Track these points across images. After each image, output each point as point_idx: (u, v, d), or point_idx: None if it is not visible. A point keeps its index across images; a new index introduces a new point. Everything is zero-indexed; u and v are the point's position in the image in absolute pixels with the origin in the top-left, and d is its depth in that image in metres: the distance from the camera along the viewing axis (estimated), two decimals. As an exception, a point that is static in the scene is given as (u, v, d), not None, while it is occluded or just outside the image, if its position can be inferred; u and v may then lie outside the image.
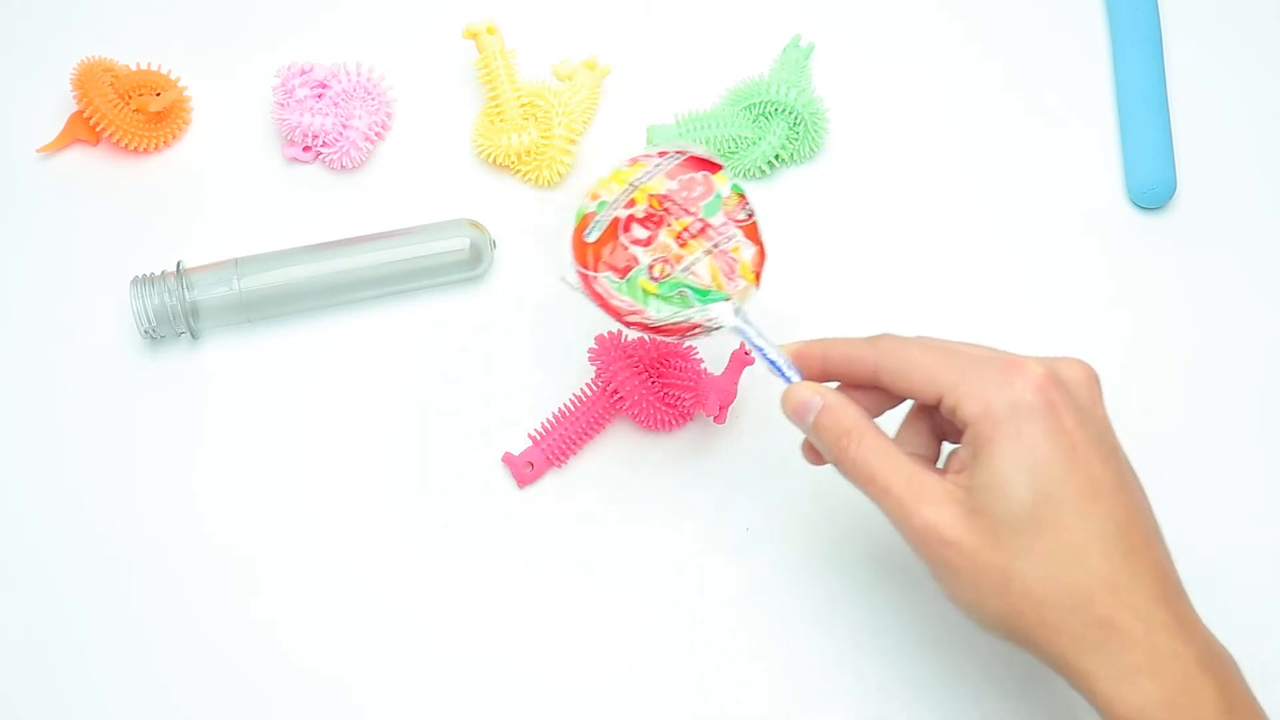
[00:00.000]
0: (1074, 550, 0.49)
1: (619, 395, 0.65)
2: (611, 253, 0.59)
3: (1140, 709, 0.48)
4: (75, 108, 0.73)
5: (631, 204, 0.60)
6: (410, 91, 0.75)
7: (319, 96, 0.73)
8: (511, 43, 0.73)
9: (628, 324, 0.58)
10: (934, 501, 0.51)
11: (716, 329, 0.58)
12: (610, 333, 0.65)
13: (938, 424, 0.56)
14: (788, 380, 0.56)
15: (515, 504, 0.66)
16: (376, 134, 0.73)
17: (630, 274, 0.58)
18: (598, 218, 0.59)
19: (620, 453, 0.67)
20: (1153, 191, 0.72)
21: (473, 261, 0.69)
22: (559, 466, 0.66)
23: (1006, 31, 0.78)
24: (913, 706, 0.62)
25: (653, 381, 0.65)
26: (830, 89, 0.75)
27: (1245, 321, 0.71)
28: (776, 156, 0.73)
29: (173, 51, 0.75)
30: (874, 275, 0.71)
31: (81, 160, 0.73)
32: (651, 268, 0.59)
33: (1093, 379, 0.53)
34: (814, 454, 0.57)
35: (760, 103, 0.72)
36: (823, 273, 0.71)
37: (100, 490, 0.66)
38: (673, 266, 0.59)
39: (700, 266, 0.59)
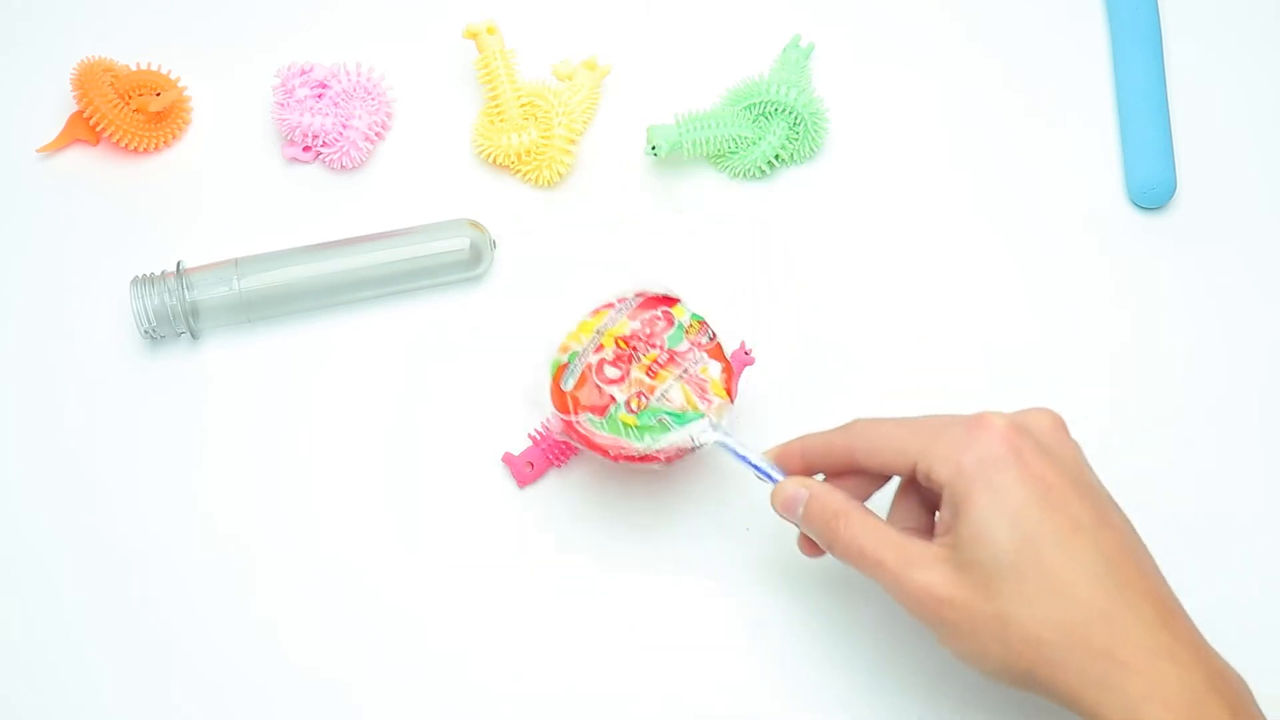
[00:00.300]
0: (1063, 587, 0.50)
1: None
2: (588, 396, 0.61)
3: None
4: (75, 108, 0.73)
5: (600, 349, 0.62)
6: (410, 91, 0.75)
7: (319, 96, 0.73)
8: (511, 43, 0.73)
9: (615, 459, 0.60)
10: (924, 565, 0.52)
11: (700, 446, 0.60)
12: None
13: (926, 497, 0.57)
14: (774, 481, 0.58)
15: (515, 504, 0.66)
16: (376, 134, 0.73)
17: (609, 412, 0.61)
18: (571, 367, 0.62)
19: (620, 453, 0.67)
20: (1153, 191, 0.72)
21: (473, 261, 0.69)
22: (559, 466, 0.66)
23: (1006, 31, 0.78)
24: (910, 703, 0.62)
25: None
26: (830, 89, 0.75)
27: (1245, 321, 0.71)
28: (776, 156, 0.73)
29: (173, 51, 0.75)
30: (874, 275, 0.71)
31: (81, 160, 0.73)
32: (628, 403, 0.61)
33: (1058, 424, 0.54)
34: (810, 546, 0.59)
35: (760, 103, 0.72)
36: (823, 272, 0.71)
37: (100, 490, 0.66)
38: (648, 397, 0.61)
39: (673, 392, 0.61)
